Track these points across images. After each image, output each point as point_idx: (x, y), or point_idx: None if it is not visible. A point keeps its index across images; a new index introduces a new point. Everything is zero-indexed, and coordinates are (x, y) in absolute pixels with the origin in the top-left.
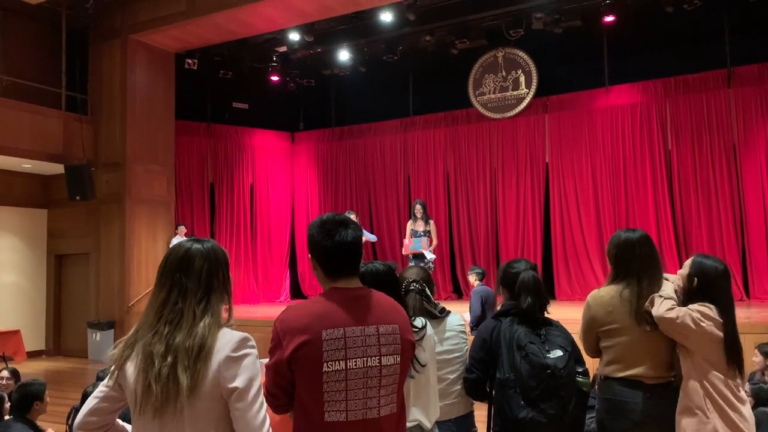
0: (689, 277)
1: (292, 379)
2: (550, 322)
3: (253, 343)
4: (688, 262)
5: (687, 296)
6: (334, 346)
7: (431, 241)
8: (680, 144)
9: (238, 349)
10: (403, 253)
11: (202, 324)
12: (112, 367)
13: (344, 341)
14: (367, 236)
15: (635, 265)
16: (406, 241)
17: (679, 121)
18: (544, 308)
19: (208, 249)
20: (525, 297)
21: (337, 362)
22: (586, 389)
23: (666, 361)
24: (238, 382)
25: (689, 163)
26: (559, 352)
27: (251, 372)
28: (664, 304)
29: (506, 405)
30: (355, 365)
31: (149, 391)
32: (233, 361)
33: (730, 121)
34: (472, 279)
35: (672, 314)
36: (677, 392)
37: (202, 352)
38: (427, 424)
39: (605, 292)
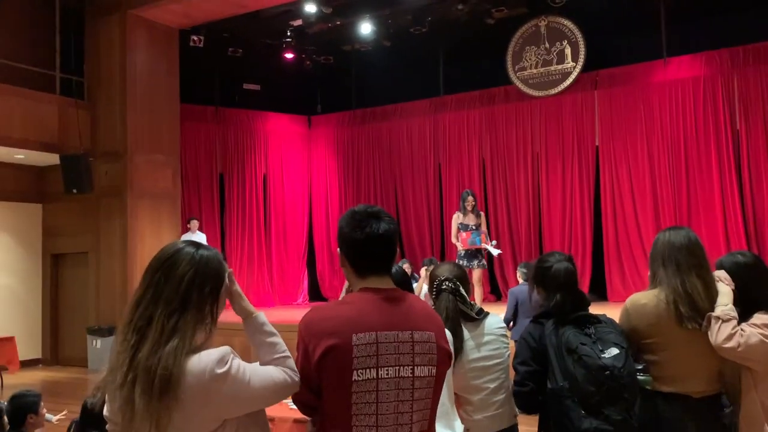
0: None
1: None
2: (597, 319)
3: (228, 357)
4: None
5: (738, 303)
6: (365, 352)
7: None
8: (750, 123)
9: (218, 367)
10: (460, 248)
11: (168, 347)
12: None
13: (376, 347)
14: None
15: (675, 263)
16: (463, 234)
17: (749, 96)
18: (580, 304)
19: (201, 256)
20: (553, 293)
21: (368, 370)
22: (650, 387)
23: (715, 372)
24: (237, 410)
25: (761, 146)
26: (614, 350)
27: (241, 389)
28: (722, 330)
29: (566, 418)
30: (387, 374)
31: (119, 411)
32: (213, 392)
33: None
34: (519, 276)
35: (732, 343)
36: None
37: (167, 385)
38: None
39: (647, 300)
